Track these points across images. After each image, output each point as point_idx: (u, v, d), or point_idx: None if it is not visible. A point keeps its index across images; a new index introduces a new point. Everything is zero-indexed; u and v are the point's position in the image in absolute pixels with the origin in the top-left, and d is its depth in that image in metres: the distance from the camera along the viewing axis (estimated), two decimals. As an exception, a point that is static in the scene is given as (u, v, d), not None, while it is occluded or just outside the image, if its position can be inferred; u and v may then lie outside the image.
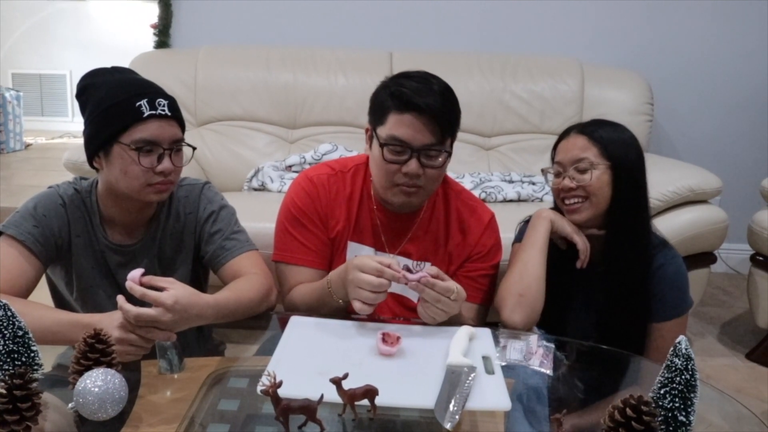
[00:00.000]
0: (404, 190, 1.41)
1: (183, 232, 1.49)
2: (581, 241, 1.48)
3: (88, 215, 1.42)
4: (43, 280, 1.43)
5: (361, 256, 1.35)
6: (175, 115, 1.37)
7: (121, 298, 1.12)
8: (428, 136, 1.36)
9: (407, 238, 1.53)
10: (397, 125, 1.36)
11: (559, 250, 1.51)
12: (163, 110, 1.33)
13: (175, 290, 1.13)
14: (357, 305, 1.27)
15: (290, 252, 1.51)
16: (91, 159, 1.38)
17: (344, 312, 1.39)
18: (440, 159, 1.40)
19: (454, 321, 1.34)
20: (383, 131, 1.39)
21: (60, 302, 1.51)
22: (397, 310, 1.54)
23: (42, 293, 1.44)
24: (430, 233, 1.54)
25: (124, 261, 1.44)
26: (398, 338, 1.22)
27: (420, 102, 1.34)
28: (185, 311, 1.14)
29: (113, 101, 1.32)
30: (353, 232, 1.52)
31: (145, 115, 1.31)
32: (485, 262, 1.55)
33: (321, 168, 1.57)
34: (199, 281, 1.57)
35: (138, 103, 1.31)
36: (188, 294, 1.16)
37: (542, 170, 1.58)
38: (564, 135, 1.51)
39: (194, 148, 1.42)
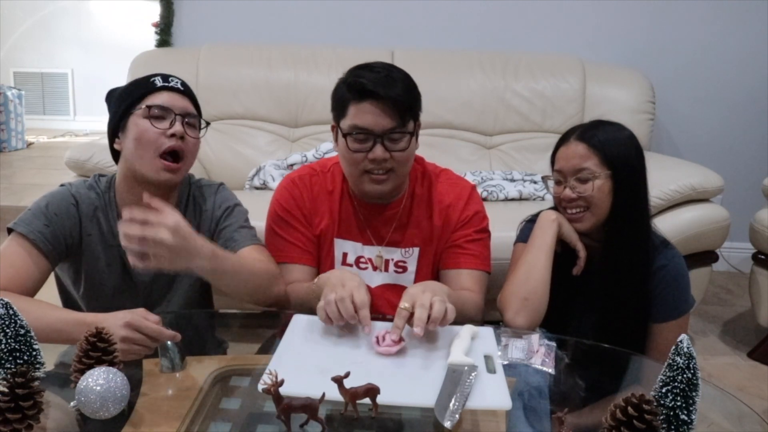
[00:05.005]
0: (374, 178, 1.44)
1: (199, 229, 1.50)
2: (583, 250, 1.48)
3: (104, 211, 1.43)
4: (51, 277, 1.44)
5: (355, 291, 1.24)
6: (188, 93, 1.44)
7: (149, 199, 1.13)
8: (389, 120, 1.39)
9: (392, 228, 1.55)
10: (357, 114, 1.40)
11: (558, 252, 1.51)
12: (176, 84, 1.43)
13: (174, 216, 1.14)
14: (321, 315, 1.25)
15: (279, 251, 1.54)
16: (112, 144, 1.44)
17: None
18: (404, 142, 1.42)
19: (458, 319, 1.34)
20: (345, 123, 1.42)
21: (66, 298, 1.52)
22: (396, 300, 1.55)
23: (50, 290, 1.44)
24: (415, 219, 1.56)
25: (141, 254, 1.44)
26: (400, 339, 1.22)
27: (376, 89, 1.38)
28: (185, 239, 1.15)
29: (130, 84, 1.45)
30: (338, 229, 1.55)
31: (158, 86, 1.40)
32: (469, 228, 1.55)
33: (303, 169, 1.61)
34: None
35: (152, 79, 1.41)
36: (188, 225, 1.17)
37: (542, 177, 1.57)
38: (563, 141, 1.50)
39: (208, 123, 1.47)
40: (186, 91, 1.44)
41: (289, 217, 1.54)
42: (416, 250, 1.56)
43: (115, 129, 1.42)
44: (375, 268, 1.56)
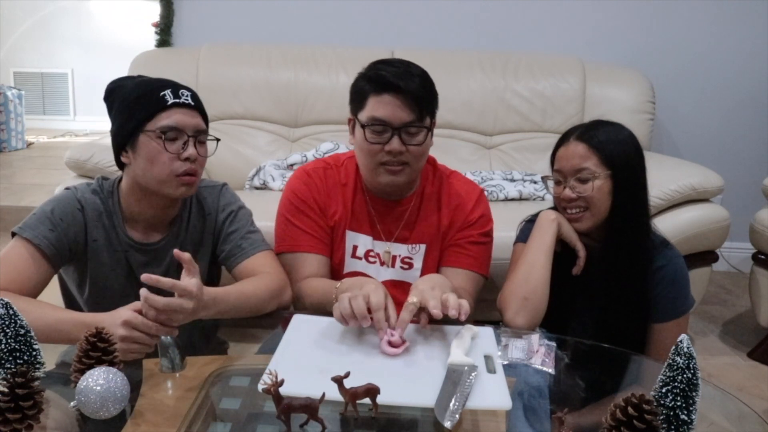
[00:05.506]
0: (389, 170, 1.45)
1: (203, 232, 1.51)
2: (582, 249, 1.48)
3: (109, 216, 1.43)
4: (54, 281, 1.44)
5: (372, 293, 1.23)
6: (198, 107, 1.41)
7: (145, 291, 1.11)
8: (407, 113, 1.41)
9: (402, 225, 1.57)
10: (376, 106, 1.42)
11: (558, 252, 1.51)
12: (187, 99, 1.38)
13: (195, 278, 1.16)
14: (336, 314, 1.25)
15: (293, 241, 1.54)
16: (118, 155, 1.41)
17: None
18: (421, 136, 1.44)
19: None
20: (363, 115, 1.44)
21: (69, 301, 1.52)
22: (401, 298, 1.55)
23: (52, 293, 1.44)
24: (423, 215, 1.58)
25: (148, 260, 1.45)
26: (404, 342, 1.22)
27: (396, 81, 1.40)
28: (200, 300, 1.16)
29: (137, 94, 1.37)
30: (350, 221, 1.56)
31: (169, 103, 1.35)
32: (473, 230, 1.57)
33: (316, 162, 1.63)
34: (213, 281, 1.59)
35: (162, 93, 1.35)
36: (199, 283, 1.17)
37: (542, 178, 1.58)
38: (563, 141, 1.50)
39: (218, 140, 1.45)
40: (196, 105, 1.40)
41: (303, 207, 1.54)
42: (423, 247, 1.57)
43: (122, 142, 1.38)
44: (383, 264, 1.58)
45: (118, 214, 1.43)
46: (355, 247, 1.57)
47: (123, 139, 1.37)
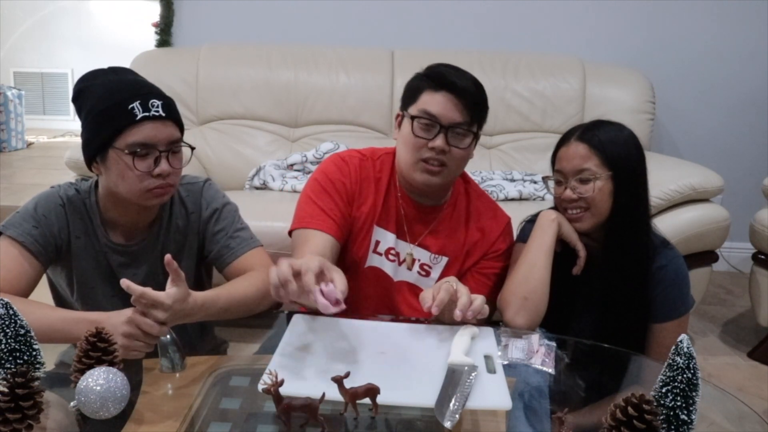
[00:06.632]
0: (428, 168, 1.45)
1: (186, 232, 1.48)
2: (582, 249, 1.48)
3: (88, 216, 1.41)
4: (44, 280, 1.43)
5: (301, 260, 1.15)
6: (171, 115, 1.33)
7: (126, 281, 1.10)
8: (458, 114, 1.43)
9: (428, 231, 1.57)
10: (429, 101, 1.43)
11: (558, 252, 1.51)
12: (157, 111, 1.30)
13: (179, 290, 1.14)
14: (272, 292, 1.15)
15: (309, 218, 1.49)
16: (89, 164, 1.37)
17: (346, 312, 1.39)
18: (467, 140, 1.46)
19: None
20: (415, 108, 1.45)
21: (60, 302, 1.51)
22: (413, 301, 1.56)
23: (43, 293, 1.44)
24: (450, 229, 1.58)
25: (127, 261, 1.44)
26: (338, 302, 1.09)
27: (455, 80, 1.42)
28: (184, 316, 1.17)
29: (105, 105, 1.29)
30: (379, 216, 1.55)
31: (138, 117, 1.27)
32: (499, 263, 1.60)
33: (351, 152, 1.62)
34: (201, 280, 1.57)
35: (130, 106, 1.27)
36: (184, 293, 1.16)
37: (543, 178, 1.58)
38: (564, 141, 1.50)
39: (193, 149, 1.40)
40: (169, 114, 1.32)
41: (330, 188, 1.52)
42: (445, 259, 1.58)
43: (92, 155, 1.33)
44: (401, 263, 1.57)
45: (96, 216, 1.41)
46: (378, 243, 1.56)
47: (92, 152, 1.33)
